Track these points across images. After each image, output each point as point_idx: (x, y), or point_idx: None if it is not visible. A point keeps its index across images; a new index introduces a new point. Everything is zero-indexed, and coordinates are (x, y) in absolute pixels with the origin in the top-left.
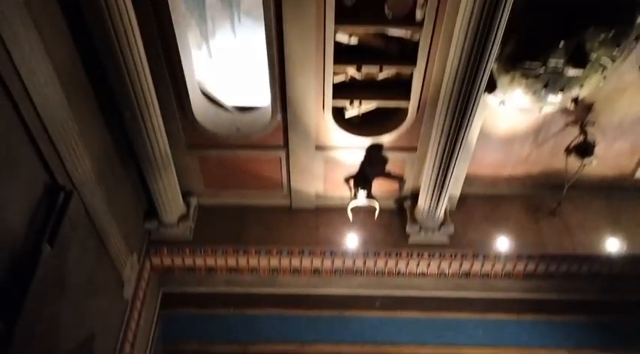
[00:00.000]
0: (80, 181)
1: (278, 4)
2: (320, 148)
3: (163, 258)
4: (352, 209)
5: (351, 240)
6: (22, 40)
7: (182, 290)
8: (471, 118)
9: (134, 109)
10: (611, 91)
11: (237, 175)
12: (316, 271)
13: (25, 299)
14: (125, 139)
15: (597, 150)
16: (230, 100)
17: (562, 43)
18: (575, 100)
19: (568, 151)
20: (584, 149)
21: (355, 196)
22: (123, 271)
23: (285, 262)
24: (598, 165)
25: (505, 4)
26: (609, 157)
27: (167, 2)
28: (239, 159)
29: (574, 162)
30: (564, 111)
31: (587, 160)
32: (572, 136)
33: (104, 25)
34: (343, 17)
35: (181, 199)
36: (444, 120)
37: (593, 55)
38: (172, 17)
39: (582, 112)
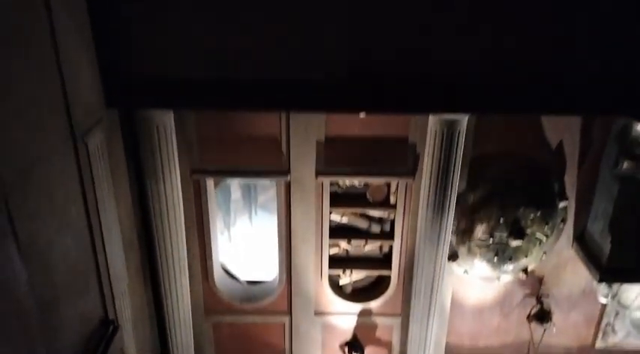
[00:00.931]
0: (123, 322)
1: (288, 194)
2: (318, 313)
3: None
4: None
5: None
6: (107, 207)
7: None
8: (440, 282)
9: (170, 276)
10: (555, 265)
11: (246, 342)
12: None
13: None
14: (156, 299)
15: (555, 319)
16: (243, 275)
17: (502, 219)
18: (525, 271)
19: (529, 318)
20: (542, 316)
21: None
22: None
23: None
24: (561, 336)
25: (451, 193)
26: (568, 328)
27: (208, 206)
28: (248, 325)
29: (538, 329)
30: (520, 282)
31: (546, 326)
32: (532, 305)
33: (159, 214)
34: (336, 201)
35: None
36: (419, 284)
37: (529, 230)
38: (209, 213)
39: (535, 284)
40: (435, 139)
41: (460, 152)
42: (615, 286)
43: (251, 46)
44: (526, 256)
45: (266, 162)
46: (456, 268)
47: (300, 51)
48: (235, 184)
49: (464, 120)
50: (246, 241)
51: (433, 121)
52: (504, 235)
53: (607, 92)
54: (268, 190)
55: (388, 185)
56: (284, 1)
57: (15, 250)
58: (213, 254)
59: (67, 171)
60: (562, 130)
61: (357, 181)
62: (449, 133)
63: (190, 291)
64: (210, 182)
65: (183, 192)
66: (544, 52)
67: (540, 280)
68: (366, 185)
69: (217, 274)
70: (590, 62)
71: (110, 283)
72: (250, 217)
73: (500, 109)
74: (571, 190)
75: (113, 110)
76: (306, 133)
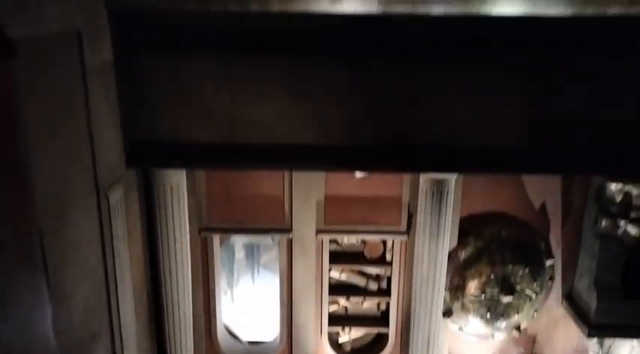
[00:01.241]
0: None
1: (289, 251)
2: None
3: None
4: None
5: None
6: (122, 259)
7: None
8: (436, 339)
9: (175, 332)
10: (547, 323)
11: None
12: None
13: None
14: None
15: None
16: (245, 335)
17: (492, 275)
18: (519, 329)
19: None
20: None
21: None
22: None
23: None
24: None
25: (443, 250)
26: None
27: (214, 264)
28: None
29: None
30: (514, 341)
31: None
32: None
33: (168, 270)
34: (335, 259)
35: None
36: (416, 342)
37: (519, 287)
38: (215, 270)
39: (529, 342)
40: (425, 197)
41: (449, 210)
42: (607, 342)
43: (258, 115)
44: (518, 313)
45: (270, 220)
46: (451, 325)
47: (303, 120)
48: (239, 244)
49: (452, 179)
50: (248, 301)
51: (423, 180)
52: (495, 291)
53: (580, 153)
54: (271, 250)
55: (384, 243)
56: (287, 79)
57: (46, 292)
58: (217, 312)
59: (90, 222)
60: (543, 191)
61: (354, 239)
62: (438, 191)
63: (194, 347)
64: (216, 239)
65: (190, 249)
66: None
67: (534, 339)
68: (364, 243)
69: (220, 332)
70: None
71: (120, 333)
72: (253, 277)
73: (489, 169)
74: (557, 248)
75: (131, 170)
76: (307, 193)
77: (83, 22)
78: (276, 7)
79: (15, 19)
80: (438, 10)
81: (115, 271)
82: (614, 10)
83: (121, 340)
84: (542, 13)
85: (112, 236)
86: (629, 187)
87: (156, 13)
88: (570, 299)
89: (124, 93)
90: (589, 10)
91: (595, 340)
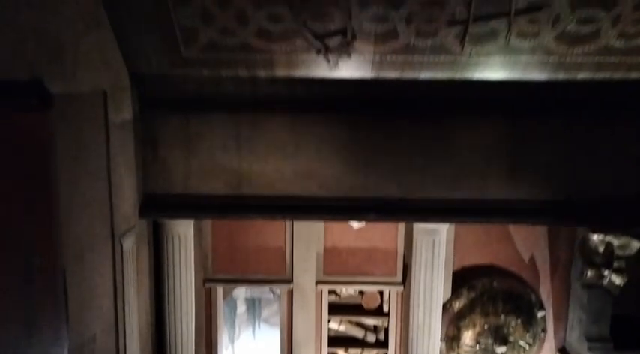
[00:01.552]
0: None
1: (290, 302)
2: None
3: None
4: None
5: None
6: (131, 305)
7: None
8: None
9: None
10: None
11: None
12: None
13: None
14: None
15: None
16: None
17: (486, 326)
18: None
19: None
20: None
21: None
22: None
23: None
24: None
25: (437, 300)
26: None
27: (217, 315)
28: None
29: None
30: None
31: None
32: None
33: (173, 319)
34: (334, 310)
35: None
36: None
37: (512, 338)
38: (218, 321)
39: None
40: (418, 248)
41: (442, 260)
42: None
43: (263, 169)
44: None
45: (271, 271)
46: None
47: (304, 173)
48: (241, 299)
49: (443, 229)
50: None
51: (416, 231)
52: (490, 341)
53: (564, 206)
54: (271, 304)
55: (381, 294)
56: (290, 137)
57: (65, 324)
58: None
59: (105, 265)
60: (531, 244)
61: (352, 290)
62: (430, 241)
63: None
64: (220, 291)
65: (195, 299)
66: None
67: None
68: (361, 294)
69: None
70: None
71: None
72: (254, 331)
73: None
74: (547, 299)
75: (143, 220)
76: (307, 244)
77: (109, 82)
78: (281, 73)
79: (53, 77)
80: (425, 75)
81: (124, 315)
82: (583, 75)
83: None
84: (520, 77)
85: (123, 281)
86: (609, 238)
87: (172, 77)
88: (563, 352)
89: (141, 149)
90: (560, 75)
91: None
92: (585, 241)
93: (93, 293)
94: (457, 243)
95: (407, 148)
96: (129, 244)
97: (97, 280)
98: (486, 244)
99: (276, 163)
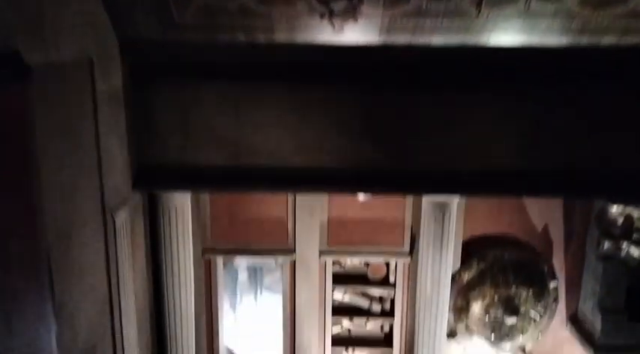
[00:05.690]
0: None
1: (293, 273)
2: None
3: None
4: None
5: None
6: (126, 279)
7: None
8: None
9: (177, 353)
10: (552, 345)
11: None
12: None
13: None
14: None
15: None
16: None
17: (496, 297)
18: (523, 350)
19: None
20: None
21: None
22: None
23: None
24: None
25: (447, 271)
26: None
27: (217, 285)
28: None
29: None
30: None
31: None
32: None
33: (171, 291)
34: (338, 280)
35: None
36: None
37: (522, 309)
38: (218, 292)
39: None
40: (428, 219)
41: (452, 232)
42: None
43: (263, 140)
44: (522, 334)
45: (273, 242)
46: (456, 346)
47: (304, 144)
48: (242, 267)
49: (454, 202)
50: (251, 322)
51: (426, 202)
52: (499, 312)
53: (582, 177)
54: (273, 272)
55: (388, 264)
56: (291, 106)
57: (51, 310)
58: (220, 334)
59: (96, 241)
60: (546, 214)
61: (357, 261)
62: (440, 213)
63: None
64: (220, 261)
65: (194, 271)
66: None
67: None
68: (367, 264)
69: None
70: (565, 152)
71: (123, 352)
72: (256, 298)
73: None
74: (560, 270)
75: (137, 193)
76: (310, 215)
77: (95, 50)
78: (281, 38)
79: (31, 46)
80: (437, 40)
81: (118, 291)
82: (607, 40)
83: None
84: (538, 43)
85: (117, 256)
86: (629, 210)
87: (165, 42)
88: (575, 321)
89: (133, 118)
90: (583, 40)
91: None
92: (603, 212)
93: (83, 271)
94: (468, 212)
95: (415, 118)
96: (122, 218)
97: (89, 258)
98: (499, 213)
99: (277, 133)
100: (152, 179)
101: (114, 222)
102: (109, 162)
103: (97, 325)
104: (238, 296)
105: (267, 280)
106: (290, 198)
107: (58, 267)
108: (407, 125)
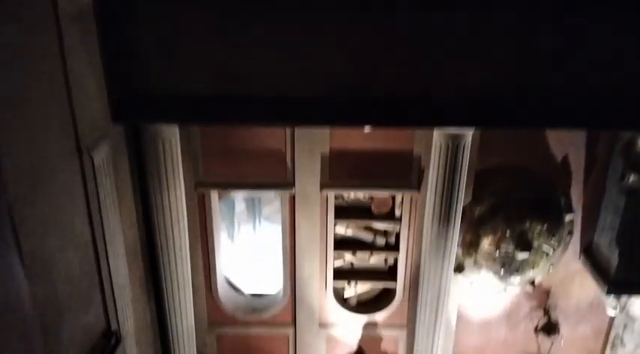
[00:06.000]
0: (125, 334)
1: (292, 207)
2: (323, 325)
3: None
4: None
5: None
6: (111, 220)
7: None
8: (446, 294)
9: (173, 288)
10: (563, 277)
11: None
12: None
13: None
14: (160, 312)
15: (563, 331)
16: (247, 288)
17: (508, 232)
18: (533, 284)
19: (536, 331)
20: (550, 328)
21: None
22: None
23: None
24: (569, 349)
25: (457, 206)
26: (576, 340)
27: (212, 219)
28: (252, 337)
29: (546, 342)
30: (527, 295)
31: (554, 338)
32: (539, 318)
33: (163, 227)
34: (340, 214)
35: None
36: (425, 297)
37: (535, 243)
38: (214, 226)
39: (542, 296)
40: (439, 152)
41: (465, 165)
42: (624, 298)
43: (257, 64)
44: (533, 268)
45: (271, 175)
46: (462, 280)
47: (304, 69)
48: (240, 197)
49: (469, 134)
50: (249, 253)
51: (438, 134)
52: (511, 247)
53: (611, 107)
54: (272, 202)
55: (393, 198)
56: (287, 24)
57: (18, 263)
58: (217, 267)
59: (72, 184)
60: (567, 145)
61: (361, 194)
62: (454, 146)
63: (194, 303)
64: (214, 195)
65: (187, 205)
66: (545, 67)
67: (547, 293)
68: (371, 198)
69: (221, 286)
70: (593, 78)
71: (113, 296)
72: (254, 228)
73: (505, 124)
74: (577, 203)
75: (119, 125)
76: (310, 147)
77: None
78: None
79: None
80: None
81: (103, 235)
82: None
83: (115, 305)
84: None
85: (98, 198)
86: None
87: None
88: (589, 254)
89: (107, 41)
90: None
91: (612, 295)
92: (631, 144)
93: (59, 219)
94: (482, 141)
95: (428, 42)
96: (101, 155)
97: (64, 204)
98: (515, 142)
99: (272, 56)
100: (134, 110)
101: (92, 160)
102: (81, 93)
103: (80, 274)
104: (236, 226)
105: (266, 210)
106: (289, 128)
107: (24, 217)
108: (418, 51)
